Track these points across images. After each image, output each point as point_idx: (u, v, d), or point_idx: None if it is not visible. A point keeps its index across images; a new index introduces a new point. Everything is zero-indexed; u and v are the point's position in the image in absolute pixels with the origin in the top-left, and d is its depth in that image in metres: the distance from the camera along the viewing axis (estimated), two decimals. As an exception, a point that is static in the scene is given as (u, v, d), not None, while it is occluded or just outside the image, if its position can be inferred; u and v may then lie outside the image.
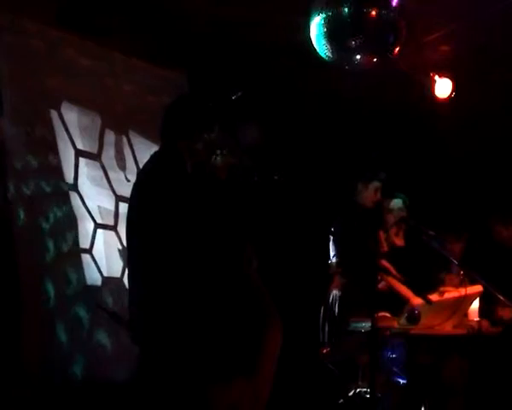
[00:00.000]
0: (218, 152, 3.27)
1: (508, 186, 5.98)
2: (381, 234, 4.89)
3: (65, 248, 4.50)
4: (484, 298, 4.39)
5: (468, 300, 4.17)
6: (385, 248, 4.84)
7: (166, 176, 3.09)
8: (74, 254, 4.57)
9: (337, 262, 4.76)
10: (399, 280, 4.40)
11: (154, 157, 3.26)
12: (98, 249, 4.72)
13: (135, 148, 5.06)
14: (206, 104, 3.33)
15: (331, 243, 4.82)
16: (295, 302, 5.45)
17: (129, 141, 5.08)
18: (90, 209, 4.71)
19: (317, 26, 3.77)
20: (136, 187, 3.19)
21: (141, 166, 4.24)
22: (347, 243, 4.71)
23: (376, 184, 4.90)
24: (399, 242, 5.02)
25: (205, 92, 3.69)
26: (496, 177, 6.33)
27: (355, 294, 4.53)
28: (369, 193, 4.89)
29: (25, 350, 4.09)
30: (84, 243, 4.65)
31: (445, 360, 4.30)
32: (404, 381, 4.13)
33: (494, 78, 5.44)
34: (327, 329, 4.71)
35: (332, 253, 4.81)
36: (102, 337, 4.59)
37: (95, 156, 4.84)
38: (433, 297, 3.88)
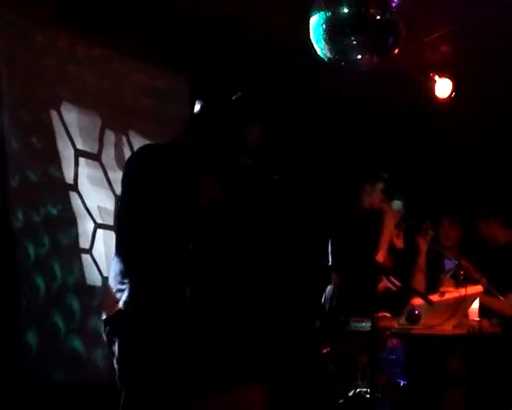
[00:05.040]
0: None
1: (506, 185, 5.98)
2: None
3: (64, 248, 4.50)
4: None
5: (469, 300, 4.16)
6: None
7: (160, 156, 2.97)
8: (74, 254, 4.57)
9: (333, 261, 4.69)
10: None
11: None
12: (98, 249, 4.73)
13: (135, 148, 5.06)
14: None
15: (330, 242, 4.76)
16: (295, 302, 5.45)
17: (129, 141, 5.08)
18: (90, 209, 4.71)
19: (316, 26, 3.76)
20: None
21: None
22: (345, 244, 4.64)
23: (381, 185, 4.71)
24: (400, 244, 5.00)
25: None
26: (494, 176, 6.33)
27: (349, 293, 4.49)
28: (372, 195, 4.70)
29: (22, 350, 4.10)
30: (84, 243, 4.66)
31: (444, 360, 4.30)
32: (404, 381, 4.13)
33: (494, 78, 5.43)
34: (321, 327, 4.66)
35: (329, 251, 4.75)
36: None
37: (95, 156, 4.85)
38: (434, 297, 3.88)
